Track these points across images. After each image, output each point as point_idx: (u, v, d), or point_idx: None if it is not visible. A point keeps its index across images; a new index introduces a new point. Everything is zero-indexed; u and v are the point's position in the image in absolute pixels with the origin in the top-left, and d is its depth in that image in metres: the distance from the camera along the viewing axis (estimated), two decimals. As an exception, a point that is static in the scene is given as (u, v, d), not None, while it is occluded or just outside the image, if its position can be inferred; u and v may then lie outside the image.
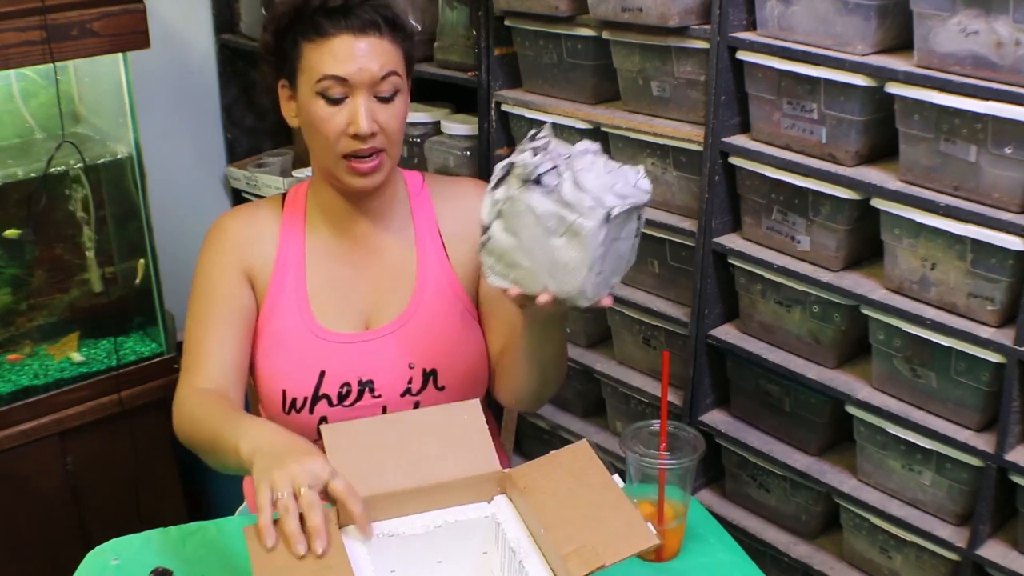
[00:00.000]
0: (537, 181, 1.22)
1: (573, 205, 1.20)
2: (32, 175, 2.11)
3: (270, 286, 1.49)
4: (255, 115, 2.81)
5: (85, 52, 2.01)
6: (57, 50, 1.96)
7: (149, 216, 2.25)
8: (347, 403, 1.48)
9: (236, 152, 2.80)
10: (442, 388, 1.52)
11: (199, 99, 2.73)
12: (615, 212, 1.20)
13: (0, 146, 2.19)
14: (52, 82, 2.04)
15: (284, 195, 1.56)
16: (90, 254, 2.27)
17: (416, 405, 1.51)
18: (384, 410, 1.50)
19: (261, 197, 2.66)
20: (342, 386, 1.48)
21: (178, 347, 2.53)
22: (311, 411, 1.48)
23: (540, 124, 1.93)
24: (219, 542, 1.40)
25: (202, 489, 2.53)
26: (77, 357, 2.27)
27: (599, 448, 2.08)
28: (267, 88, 1.49)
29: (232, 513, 1.65)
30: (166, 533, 1.40)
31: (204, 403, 1.38)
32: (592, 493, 1.17)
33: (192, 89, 2.70)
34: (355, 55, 1.37)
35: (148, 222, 2.26)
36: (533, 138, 1.26)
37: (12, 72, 2.09)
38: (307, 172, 2.52)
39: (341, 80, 1.37)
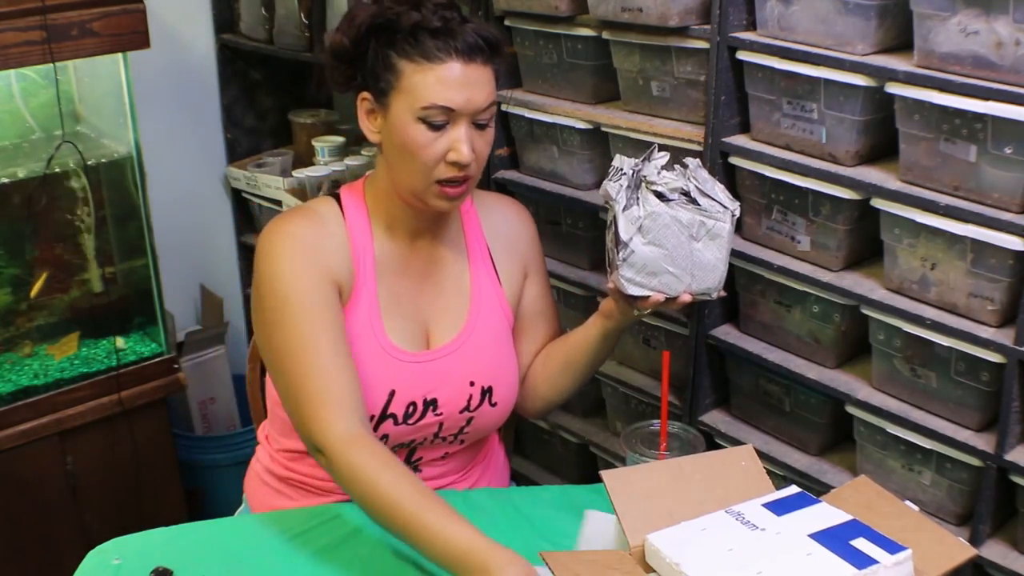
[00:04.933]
0: (679, 195, 1.41)
1: (709, 211, 1.42)
2: (32, 175, 2.11)
3: (351, 296, 1.43)
4: (255, 115, 2.81)
5: (85, 52, 2.01)
6: (57, 50, 1.95)
7: (149, 216, 2.25)
8: (411, 421, 1.46)
9: (236, 152, 2.80)
10: (495, 404, 1.51)
11: (199, 99, 2.72)
12: (737, 212, 1.44)
13: (0, 146, 2.19)
14: (52, 82, 2.04)
15: (337, 197, 1.48)
16: (90, 254, 2.27)
17: (470, 421, 1.51)
18: (441, 426, 1.49)
19: (261, 197, 2.66)
20: (408, 405, 1.45)
21: (179, 347, 2.54)
22: (375, 429, 1.44)
23: (548, 125, 1.94)
24: (219, 542, 1.40)
25: (202, 489, 2.53)
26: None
27: (599, 448, 2.08)
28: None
29: (232, 513, 1.66)
30: (166, 533, 1.41)
31: (394, 476, 1.28)
32: (890, 521, 1.17)
33: (192, 89, 2.70)
34: (464, 83, 1.32)
35: (148, 222, 2.25)
36: (648, 159, 1.43)
37: (12, 72, 2.09)
38: (307, 172, 2.51)
39: (448, 110, 1.32)
